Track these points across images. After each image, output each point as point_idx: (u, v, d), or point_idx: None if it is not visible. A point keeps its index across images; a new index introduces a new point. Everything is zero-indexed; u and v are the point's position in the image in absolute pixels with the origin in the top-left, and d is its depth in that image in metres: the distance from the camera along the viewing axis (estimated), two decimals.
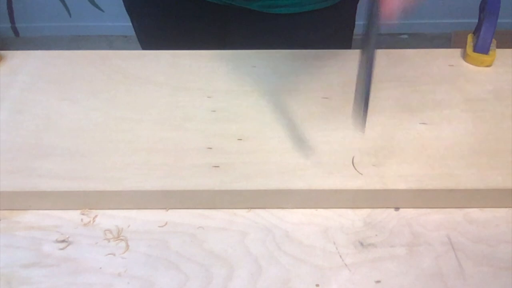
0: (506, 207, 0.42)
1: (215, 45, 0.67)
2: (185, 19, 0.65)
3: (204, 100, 0.49)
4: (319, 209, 0.42)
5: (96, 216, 0.41)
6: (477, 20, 0.55)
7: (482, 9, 0.53)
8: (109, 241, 0.39)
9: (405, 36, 1.92)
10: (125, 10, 0.70)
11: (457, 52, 0.55)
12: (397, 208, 0.42)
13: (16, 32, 1.95)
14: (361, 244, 0.39)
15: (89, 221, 0.41)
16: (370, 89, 0.38)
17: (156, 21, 0.68)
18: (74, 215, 0.41)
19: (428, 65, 0.53)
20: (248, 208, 0.42)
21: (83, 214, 0.42)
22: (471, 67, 0.53)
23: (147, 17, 0.68)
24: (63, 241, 0.39)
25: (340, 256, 0.38)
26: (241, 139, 0.45)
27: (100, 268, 0.38)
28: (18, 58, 0.55)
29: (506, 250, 0.38)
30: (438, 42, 1.86)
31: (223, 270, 0.37)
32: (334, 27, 0.65)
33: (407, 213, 0.41)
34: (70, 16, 1.88)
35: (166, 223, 0.41)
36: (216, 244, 0.39)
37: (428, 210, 0.42)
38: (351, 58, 0.54)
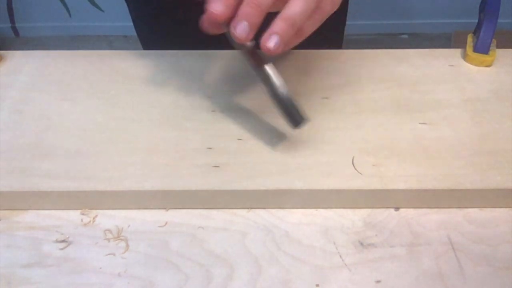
0: (506, 207, 0.42)
1: (213, 43, 0.67)
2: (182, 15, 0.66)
3: (204, 100, 0.49)
4: (319, 209, 0.42)
5: (96, 216, 0.41)
6: (477, 20, 0.55)
7: (482, 9, 0.53)
8: (109, 241, 0.39)
9: (405, 36, 1.92)
10: (125, 10, 0.70)
11: (457, 52, 0.55)
12: (397, 208, 0.42)
13: (16, 32, 1.95)
14: (361, 244, 0.39)
15: (89, 221, 0.41)
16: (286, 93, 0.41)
17: (156, 19, 0.68)
18: (74, 215, 0.41)
19: (428, 65, 0.53)
20: (248, 208, 0.42)
21: (83, 214, 0.42)
22: (471, 67, 0.53)
23: (148, 16, 0.69)
24: (63, 241, 0.39)
25: (340, 256, 0.38)
26: (241, 139, 0.45)
27: (100, 268, 0.38)
28: (18, 58, 0.55)
29: (506, 250, 0.38)
30: (438, 42, 1.87)
31: (223, 270, 0.37)
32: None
33: (407, 213, 0.41)
34: (70, 16, 1.88)
35: (166, 223, 0.41)
36: (216, 244, 0.39)
37: (428, 210, 0.42)
38: (351, 58, 0.54)
